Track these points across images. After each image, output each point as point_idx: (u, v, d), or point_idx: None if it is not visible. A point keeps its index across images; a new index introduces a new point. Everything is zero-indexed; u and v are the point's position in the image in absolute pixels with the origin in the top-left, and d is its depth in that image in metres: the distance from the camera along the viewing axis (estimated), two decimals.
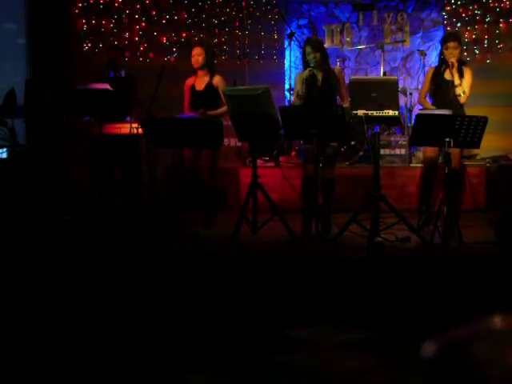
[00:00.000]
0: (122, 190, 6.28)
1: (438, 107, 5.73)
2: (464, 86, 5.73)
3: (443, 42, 5.90)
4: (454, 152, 5.57)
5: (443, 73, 5.83)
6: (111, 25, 8.11)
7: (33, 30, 7.56)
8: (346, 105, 5.37)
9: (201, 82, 6.09)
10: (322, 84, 5.61)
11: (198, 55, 6.05)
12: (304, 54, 5.66)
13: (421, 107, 6.40)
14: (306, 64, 5.64)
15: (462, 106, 5.80)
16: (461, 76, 5.76)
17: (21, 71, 7.42)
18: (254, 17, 8.92)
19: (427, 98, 5.97)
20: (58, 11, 7.64)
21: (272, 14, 8.98)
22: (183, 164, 5.95)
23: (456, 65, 5.72)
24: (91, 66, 7.59)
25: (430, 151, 5.75)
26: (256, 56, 8.90)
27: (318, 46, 5.61)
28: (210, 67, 6.08)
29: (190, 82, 6.16)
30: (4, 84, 6.60)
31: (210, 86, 6.02)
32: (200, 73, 6.09)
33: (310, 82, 5.55)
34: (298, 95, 5.60)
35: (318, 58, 5.54)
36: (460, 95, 5.71)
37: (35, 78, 7.20)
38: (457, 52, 5.78)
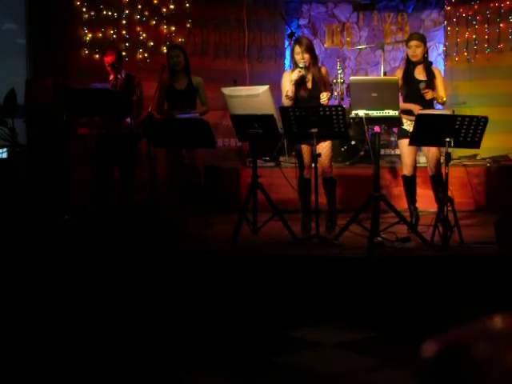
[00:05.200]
0: (119, 189, 6.29)
1: None
2: (440, 91, 5.71)
3: (406, 41, 5.92)
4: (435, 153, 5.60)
5: (413, 72, 5.81)
6: (111, 25, 8.10)
7: (33, 30, 7.55)
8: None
9: (180, 81, 6.08)
10: (312, 85, 5.61)
11: (177, 56, 6.04)
12: (293, 53, 5.66)
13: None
14: (294, 62, 5.64)
15: (431, 103, 5.78)
16: (431, 76, 5.75)
17: (21, 71, 7.41)
18: (254, 17, 8.92)
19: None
20: (58, 11, 7.63)
21: (272, 14, 8.98)
22: (184, 164, 5.95)
23: (423, 65, 5.76)
24: (91, 66, 7.59)
25: (409, 152, 5.72)
26: (256, 56, 8.89)
27: (309, 47, 5.58)
28: (188, 68, 6.09)
29: (165, 81, 6.09)
30: (4, 84, 6.60)
31: (190, 85, 6.03)
32: (178, 73, 6.09)
33: (299, 82, 5.56)
34: (286, 95, 5.56)
35: (306, 59, 5.53)
36: (442, 101, 5.71)
37: (35, 78, 7.20)
38: (419, 51, 5.73)
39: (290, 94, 5.53)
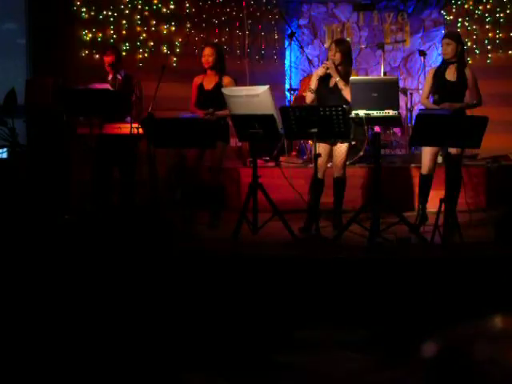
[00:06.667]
0: (120, 189, 6.29)
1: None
2: (473, 92, 5.71)
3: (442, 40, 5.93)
4: (454, 152, 5.57)
5: (444, 73, 5.80)
6: (111, 25, 8.11)
7: (33, 30, 7.56)
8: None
9: (210, 81, 6.06)
10: (334, 84, 5.70)
11: (208, 56, 6.01)
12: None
13: (421, 107, 6.39)
14: (327, 58, 5.85)
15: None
16: (461, 77, 5.72)
17: (21, 71, 7.41)
18: (254, 17, 8.92)
19: (430, 99, 5.97)
20: (58, 11, 7.63)
21: (272, 13, 8.98)
22: (185, 164, 5.96)
23: (456, 65, 5.72)
24: (91, 66, 7.59)
25: (428, 151, 5.74)
26: (256, 56, 8.89)
27: (343, 49, 5.75)
28: (219, 68, 6.05)
29: (198, 80, 6.13)
30: (4, 84, 6.59)
31: (219, 85, 5.99)
32: (209, 72, 6.06)
33: (323, 79, 5.68)
34: (310, 89, 5.80)
35: (336, 58, 5.71)
36: (474, 104, 5.70)
37: (35, 78, 7.20)
38: (450, 49, 5.72)
39: (313, 87, 5.77)
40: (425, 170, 5.79)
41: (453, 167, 5.51)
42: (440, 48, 8.93)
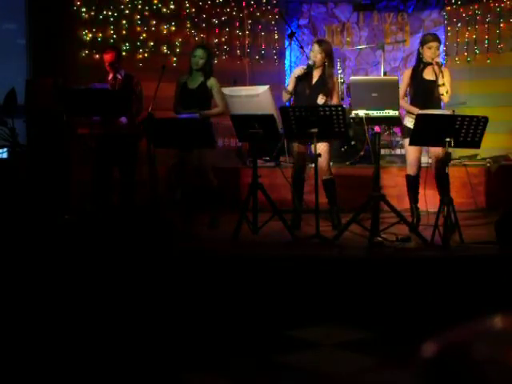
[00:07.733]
0: (120, 189, 6.29)
1: (419, 107, 5.69)
2: (447, 86, 5.71)
3: (425, 41, 5.85)
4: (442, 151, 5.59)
5: (422, 73, 5.81)
6: (111, 25, 8.10)
7: (33, 30, 7.55)
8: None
9: (195, 80, 6.07)
10: (314, 84, 5.72)
11: (200, 57, 6.01)
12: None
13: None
14: (309, 58, 5.88)
15: (438, 104, 5.78)
16: (440, 76, 5.75)
17: (21, 71, 7.41)
18: (254, 17, 8.92)
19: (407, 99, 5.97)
20: (58, 11, 7.63)
21: (272, 13, 8.99)
22: (183, 164, 5.96)
23: (440, 65, 5.73)
24: (91, 66, 7.59)
25: (413, 151, 5.75)
26: (256, 56, 8.90)
27: (325, 50, 5.77)
28: (206, 69, 6.06)
29: (182, 79, 6.14)
30: (4, 84, 6.59)
31: (203, 85, 6.00)
32: (195, 73, 6.08)
33: (302, 78, 5.73)
34: (286, 90, 5.84)
35: (318, 59, 5.73)
36: (443, 94, 5.69)
37: (35, 78, 7.20)
38: (438, 52, 5.80)
39: (289, 88, 5.79)
40: (411, 170, 5.81)
41: (441, 166, 5.54)
42: (440, 47, 8.98)
